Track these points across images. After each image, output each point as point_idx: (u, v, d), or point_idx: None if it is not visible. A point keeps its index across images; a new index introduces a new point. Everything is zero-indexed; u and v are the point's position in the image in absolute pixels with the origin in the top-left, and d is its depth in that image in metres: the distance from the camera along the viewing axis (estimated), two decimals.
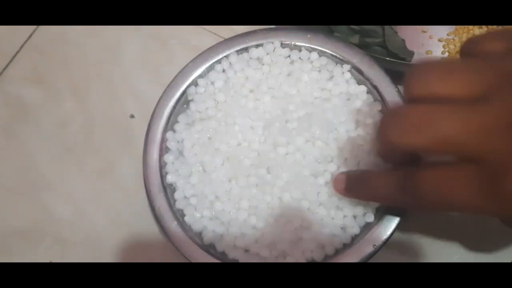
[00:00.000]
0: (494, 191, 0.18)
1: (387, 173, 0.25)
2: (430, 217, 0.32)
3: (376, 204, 0.28)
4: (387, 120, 0.21)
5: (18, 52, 0.40)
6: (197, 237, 0.29)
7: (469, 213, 0.23)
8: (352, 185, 0.27)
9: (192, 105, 0.32)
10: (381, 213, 0.28)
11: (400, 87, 0.31)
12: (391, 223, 0.28)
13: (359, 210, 0.28)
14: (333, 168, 0.29)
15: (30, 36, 0.41)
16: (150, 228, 0.34)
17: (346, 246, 0.28)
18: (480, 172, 0.19)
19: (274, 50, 0.33)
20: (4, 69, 0.40)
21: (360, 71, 0.31)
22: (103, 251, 0.34)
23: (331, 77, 0.32)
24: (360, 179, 0.27)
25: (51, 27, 0.41)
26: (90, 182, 0.36)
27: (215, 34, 0.40)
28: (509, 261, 0.30)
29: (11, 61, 0.40)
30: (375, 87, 0.31)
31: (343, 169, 0.29)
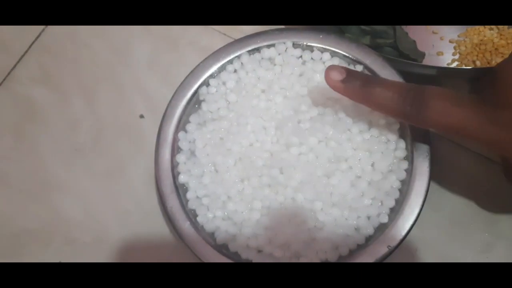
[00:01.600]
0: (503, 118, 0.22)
1: (396, 84, 0.26)
2: (446, 218, 0.32)
3: (391, 205, 0.28)
4: None
5: (26, 52, 0.40)
6: (210, 237, 0.29)
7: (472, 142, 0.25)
8: (352, 83, 0.26)
9: (203, 105, 0.32)
10: (396, 212, 0.28)
11: None
12: (406, 224, 0.28)
13: (373, 211, 0.28)
14: (347, 168, 0.29)
15: (39, 35, 0.41)
16: (160, 228, 0.34)
17: (360, 247, 0.28)
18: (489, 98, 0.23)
19: (286, 51, 0.33)
20: (12, 69, 0.40)
21: (372, 72, 0.31)
22: (112, 251, 0.34)
23: None
24: (364, 81, 0.26)
25: (59, 26, 0.41)
26: (100, 183, 0.36)
27: (225, 34, 0.40)
28: None
29: (19, 61, 0.40)
30: None
31: (356, 170, 0.29)
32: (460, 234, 0.32)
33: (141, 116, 0.38)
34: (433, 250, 0.32)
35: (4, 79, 0.39)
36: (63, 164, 0.36)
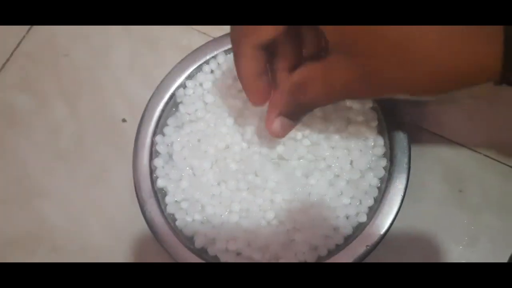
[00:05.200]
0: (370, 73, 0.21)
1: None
2: (429, 212, 0.32)
3: (370, 203, 0.28)
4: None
5: (8, 59, 0.40)
6: (189, 242, 0.29)
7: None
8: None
9: (181, 107, 0.32)
10: (375, 210, 0.28)
11: None
12: (384, 223, 0.27)
13: (351, 210, 0.28)
14: (325, 167, 0.29)
15: (20, 42, 0.40)
16: (144, 232, 0.34)
17: (339, 247, 0.28)
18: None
19: None
20: None
21: None
22: (98, 257, 0.34)
23: None
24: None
25: (40, 33, 0.40)
26: (84, 188, 0.36)
27: (205, 34, 0.39)
28: (506, 261, 0.30)
29: (1, 68, 0.40)
30: None
31: (335, 169, 0.29)
32: (444, 228, 0.32)
33: (123, 120, 0.38)
34: (417, 245, 0.31)
35: None
36: (45, 170, 0.36)
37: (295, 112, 0.25)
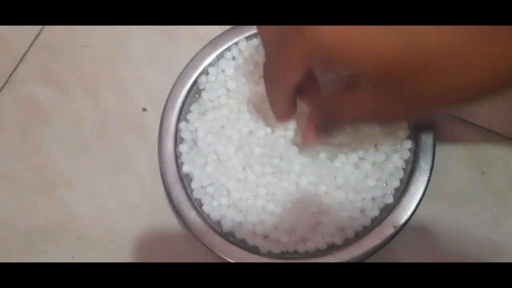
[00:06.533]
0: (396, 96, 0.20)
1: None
2: (453, 194, 0.32)
3: (396, 185, 0.28)
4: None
5: (27, 51, 0.40)
6: (216, 226, 0.29)
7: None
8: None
9: (204, 94, 0.32)
10: (401, 191, 0.28)
11: None
12: (411, 204, 0.27)
13: (377, 192, 0.28)
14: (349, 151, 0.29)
15: (38, 35, 0.41)
16: (169, 219, 0.34)
17: (366, 229, 0.28)
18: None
19: None
20: (15, 69, 0.40)
21: None
22: (124, 244, 0.34)
23: None
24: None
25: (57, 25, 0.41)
26: (107, 177, 0.36)
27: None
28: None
29: (20, 61, 0.40)
30: None
31: (361, 152, 0.29)
32: (468, 210, 0.32)
33: (144, 109, 0.38)
34: (442, 228, 0.32)
35: (7, 80, 0.40)
36: (69, 160, 0.37)
37: (328, 128, 0.26)
